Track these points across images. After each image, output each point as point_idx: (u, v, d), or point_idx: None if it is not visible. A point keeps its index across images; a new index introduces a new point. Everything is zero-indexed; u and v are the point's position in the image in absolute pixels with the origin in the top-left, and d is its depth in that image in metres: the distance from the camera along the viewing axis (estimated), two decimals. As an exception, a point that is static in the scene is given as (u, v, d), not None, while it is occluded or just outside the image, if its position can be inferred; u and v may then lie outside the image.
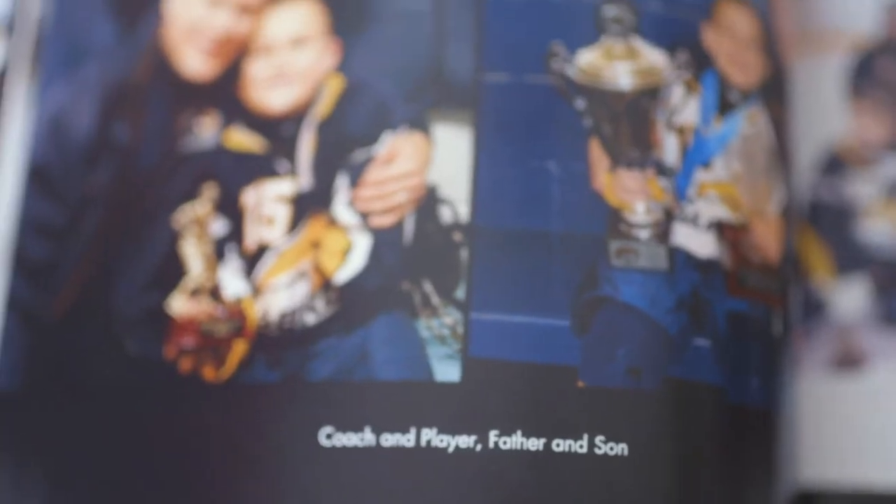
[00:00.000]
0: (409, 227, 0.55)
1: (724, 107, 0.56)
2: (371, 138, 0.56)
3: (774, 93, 0.59)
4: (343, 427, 0.53)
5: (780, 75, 0.59)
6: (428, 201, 0.55)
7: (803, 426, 0.60)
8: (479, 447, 0.52)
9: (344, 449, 0.53)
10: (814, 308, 0.63)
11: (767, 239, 0.56)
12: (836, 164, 0.64)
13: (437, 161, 0.55)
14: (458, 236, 0.54)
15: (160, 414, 0.56)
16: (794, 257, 0.59)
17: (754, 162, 0.57)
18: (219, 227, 0.57)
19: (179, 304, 0.57)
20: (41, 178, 0.61)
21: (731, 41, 0.57)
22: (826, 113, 0.65)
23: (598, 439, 0.51)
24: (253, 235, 0.57)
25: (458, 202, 0.54)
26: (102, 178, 0.59)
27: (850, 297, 0.63)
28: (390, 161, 0.56)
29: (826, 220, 0.64)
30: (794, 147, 0.61)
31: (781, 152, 0.58)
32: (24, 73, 0.63)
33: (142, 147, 0.59)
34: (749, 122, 0.57)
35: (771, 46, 0.59)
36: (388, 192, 0.55)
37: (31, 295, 0.59)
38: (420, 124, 0.56)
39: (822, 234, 0.64)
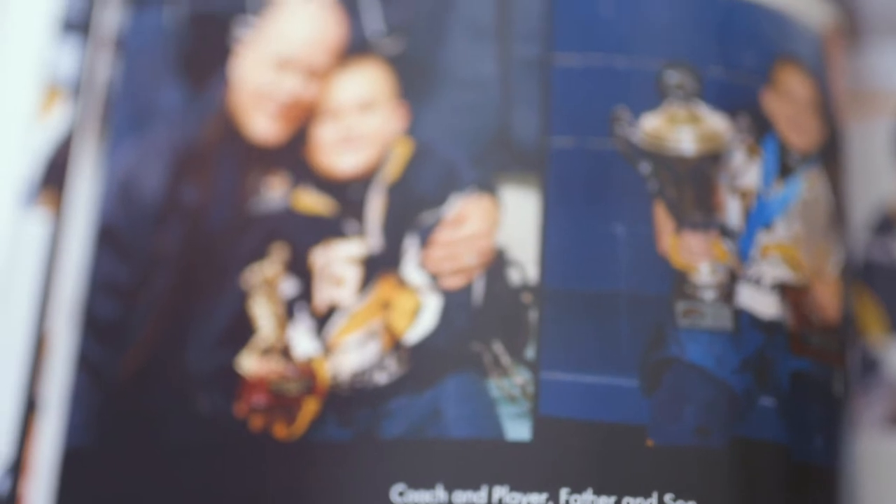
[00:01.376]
0: (478, 289, 0.56)
1: (785, 170, 0.58)
2: (440, 201, 0.57)
3: (831, 155, 0.60)
4: (415, 484, 0.54)
5: (836, 137, 0.61)
6: (497, 263, 0.56)
7: (861, 483, 0.61)
8: (550, 505, 0.53)
9: (416, 506, 0.54)
10: (868, 366, 0.64)
11: (827, 299, 0.57)
12: (887, 225, 0.65)
13: (505, 223, 0.56)
14: (527, 297, 0.55)
15: (232, 471, 0.56)
16: (852, 317, 0.60)
17: (814, 223, 0.58)
18: (289, 287, 0.58)
19: (250, 363, 0.58)
20: (110, 239, 0.62)
21: (790, 105, 0.59)
22: (878, 174, 0.66)
23: (668, 497, 0.52)
24: (323, 296, 0.58)
25: (526, 264, 0.56)
26: (172, 239, 0.61)
27: (902, 355, 0.64)
28: (459, 223, 0.57)
29: (879, 279, 0.65)
30: (849, 208, 0.62)
31: (839, 213, 0.60)
32: (93, 134, 0.64)
33: (211, 208, 0.61)
34: (808, 185, 0.58)
35: (827, 109, 0.60)
36: (458, 254, 0.56)
37: (101, 353, 0.60)
38: (488, 187, 0.57)
39: (874, 293, 0.65)
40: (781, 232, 0.57)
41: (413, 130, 0.59)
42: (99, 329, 0.61)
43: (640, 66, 0.57)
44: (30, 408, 0.61)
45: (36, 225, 0.64)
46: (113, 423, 0.59)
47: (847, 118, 0.64)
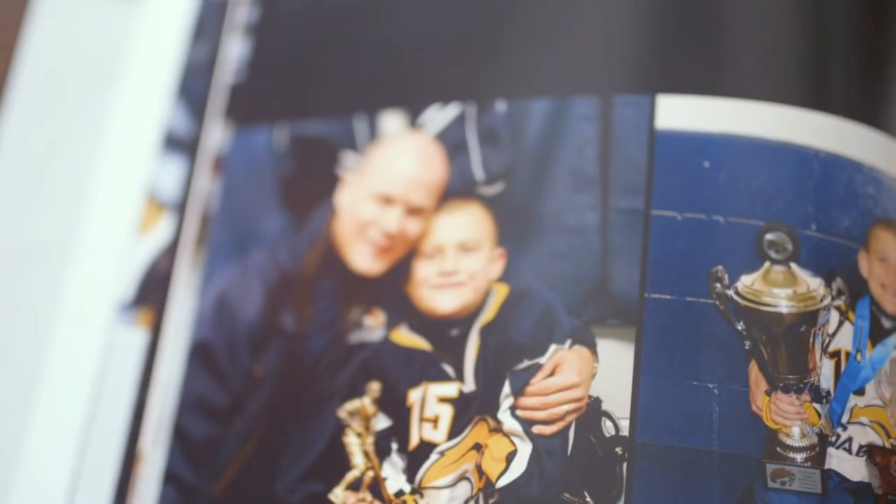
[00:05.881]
0: (571, 437, 0.57)
1: (876, 333, 0.58)
2: (536, 348, 0.58)
3: (921, 317, 0.61)
4: None
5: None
6: (590, 413, 0.57)
7: None
8: None
9: None
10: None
11: (913, 463, 0.58)
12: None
13: (600, 374, 0.57)
14: (619, 450, 0.56)
15: None
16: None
17: (903, 387, 0.59)
18: (382, 422, 0.59)
19: (341, 495, 0.59)
20: (204, 357, 0.63)
21: (884, 268, 0.59)
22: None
23: None
24: (416, 434, 0.59)
25: (619, 416, 0.56)
26: (268, 363, 0.62)
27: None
28: (554, 372, 0.58)
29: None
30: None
31: (926, 375, 0.60)
32: (192, 251, 0.66)
33: (309, 336, 0.62)
34: (898, 348, 0.59)
35: (918, 271, 0.61)
36: (552, 403, 0.57)
37: (189, 471, 0.61)
38: (584, 338, 0.58)
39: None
40: (871, 395, 0.58)
41: (511, 275, 0.60)
42: (190, 448, 0.62)
43: (739, 226, 0.58)
44: (119, 522, 0.62)
45: (132, 340, 0.65)
46: (200, 544, 0.60)
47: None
